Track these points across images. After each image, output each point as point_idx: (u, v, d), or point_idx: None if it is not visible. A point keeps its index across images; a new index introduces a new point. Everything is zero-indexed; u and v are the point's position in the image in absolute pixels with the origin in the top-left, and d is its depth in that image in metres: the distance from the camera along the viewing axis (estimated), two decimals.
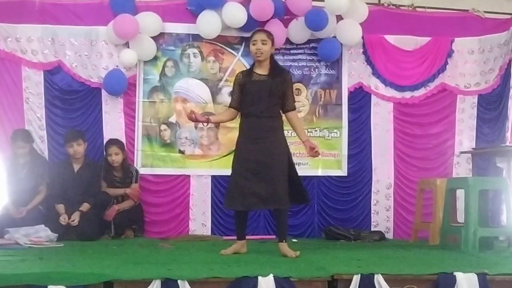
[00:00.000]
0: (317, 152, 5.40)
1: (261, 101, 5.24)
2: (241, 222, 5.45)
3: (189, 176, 7.35)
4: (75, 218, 6.55)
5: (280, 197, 5.18)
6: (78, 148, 6.81)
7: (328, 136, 7.54)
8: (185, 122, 7.31)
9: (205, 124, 5.69)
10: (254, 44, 5.29)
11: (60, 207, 6.66)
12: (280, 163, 5.23)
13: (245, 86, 5.32)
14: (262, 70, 5.35)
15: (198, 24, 7.18)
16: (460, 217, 6.38)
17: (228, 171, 7.21)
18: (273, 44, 5.39)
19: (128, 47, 7.19)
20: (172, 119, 7.39)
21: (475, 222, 5.76)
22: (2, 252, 5.18)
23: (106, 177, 7.03)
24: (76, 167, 6.89)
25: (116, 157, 6.97)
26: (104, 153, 7.09)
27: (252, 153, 5.22)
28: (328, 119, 7.56)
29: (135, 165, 7.22)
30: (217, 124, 6.95)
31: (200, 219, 7.31)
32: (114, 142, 7.07)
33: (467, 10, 7.84)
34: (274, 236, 7.25)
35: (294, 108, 5.46)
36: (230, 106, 5.52)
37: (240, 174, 5.25)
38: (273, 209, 5.50)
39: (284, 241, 5.30)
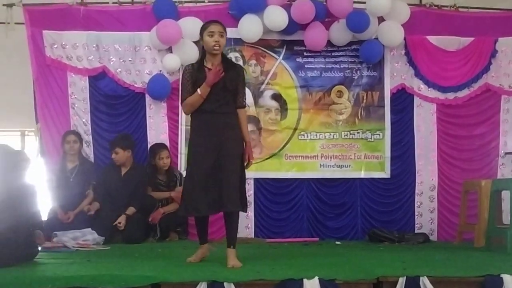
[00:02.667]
0: (249, 164, 5.10)
1: (216, 96, 4.92)
2: (201, 226, 5.17)
3: None
4: (122, 221, 6.66)
5: (232, 199, 4.84)
6: (116, 156, 6.93)
7: (371, 138, 7.52)
8: None
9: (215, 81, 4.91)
10: (211, 36, 4.92)
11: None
12: (234, 163, 4.90)
13: (197, 80, 4.94)
14: (212, 64, 4.97)
15: (240, 28, 7.23)
16: (506, 219, 6.31)
17: (271, 173, 7.39)
18: (226, 37, 5.07)
19: (171, 52, 7.28)
20: None
21: None
22: (51, 255, 5.29)
23: (150, 181, 7.12)
24: (124, 170, 7.01)
25: (167, 161, 7.09)
26: (149, 157, 7.18)
27: (207, 152, 4.88)
28: (371, 121, 7.54)
29: (179, 169, 7.29)
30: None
31: (243, 221, 7.27)
32: (164, 146, 7.20)
33: (511, 10, 7.75)
34: (317, 239, 7.30)
35: (244, 106, 5.14)
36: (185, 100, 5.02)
37: (194, 175, 4.89)
38: (224, 213, 5.03)
39: (232, 247, 4.89)
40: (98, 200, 6.92)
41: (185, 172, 5.31)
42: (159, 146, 7.18)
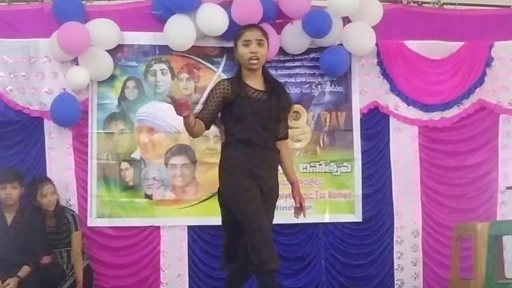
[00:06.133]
0: (303, 210, 5.18)
1: (266, 127, 4.98)
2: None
3: (159, 227, 7.36)
4: (10, 284, 6.44)
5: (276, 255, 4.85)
6: (13, 192, 6.79)
7: (337, 171, 7.57)
8: (152, 158, 7.39)
9: (184, 115, 4.68)
10: (246, 45, 4.99)
11: None
12: (274, 211, 5.12)
13: (239, 101, 4.93)
14: (255, 83, 5.05)
15: (167, 32, 7.23)
16: (509, 271, 6.39)
17: (210, 219, 7.27)
18: (268, 46, 5.15)
19: (77, 64, 7.23)
20: (136, 154, 7.42)
21: None
22: None
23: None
24: (9, 216, 6.79)
25: (52, 198, 6.92)
26: (29, 196, 6.98)
27: (260, 194, 4.92)
28: (336, 150, 7.60)
29: (90, 216, 7.24)
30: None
31: (174, 283, 7.32)
32: (46, 179, 7.06)
33: (509, 6, 7.95)
34: None
35: (287, 137, 5.30)
36: (199, 118, 4.95)
37: (265, 216, 4.89)
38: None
39: None
40: None
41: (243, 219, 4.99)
42: (40, 180, 7.03)
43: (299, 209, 5.15)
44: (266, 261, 4.71)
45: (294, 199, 5.14)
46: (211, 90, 5.06)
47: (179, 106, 4.62)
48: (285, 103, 5.12)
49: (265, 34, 5.08)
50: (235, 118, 4.98)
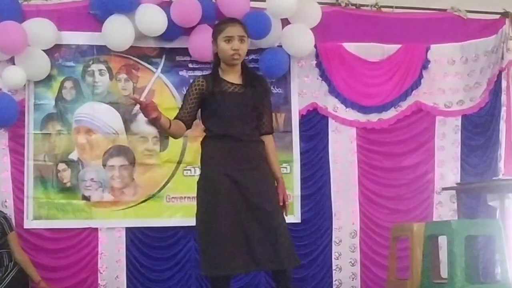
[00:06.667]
0: (285, 209, 5.02)
1: (244, 120, 4.91)
2: None
3: (96, 229, 7.31)
4: None
5: (288, 251, 4.78)
6: None
7: None
8: (90, 160, 7.36)
9: (152, 117, 4.64)
10: (228, 42, 4.88)
11: None
12: (278, 205, 4.91)
13: (213, 97, 4.87)
14: (232, 78, 4.98)
15: (105, 32, 7.21)
16: (444, 271, 6.47)
17: (148, 221, 7.34)
18: (248, 41, 5.06)
19: (14, 64, 7.16)
20: (73, 155, 7.37)
21: (462, 278, 5.80)
22: None
23: None
24: None
25: None
26: None
27: (240, 190, 4.80)
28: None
29: (26, 218, 7.15)
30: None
31: (112, 285, 7.28)
32: None
33: (445, 10, 8.07)
34: None
35: (272, 131, 5.21)
36: (178, 118, 4.95)
37: (220, 222, 4.72)
38: (274, 271, 4.90)
39: None
40: None
41: (195, 219, 4.96)
42: None
43: (282, 207, 5.01)
44: (206, 267, 4.77)
45: (278, 196, 4.99)
46: (188, 88, 5.02)
47: (145, 108, 4.60)
48: (260, 90, 5.01)
49: (246, 30, 5.01)
50: (212, 114, 4.93)
